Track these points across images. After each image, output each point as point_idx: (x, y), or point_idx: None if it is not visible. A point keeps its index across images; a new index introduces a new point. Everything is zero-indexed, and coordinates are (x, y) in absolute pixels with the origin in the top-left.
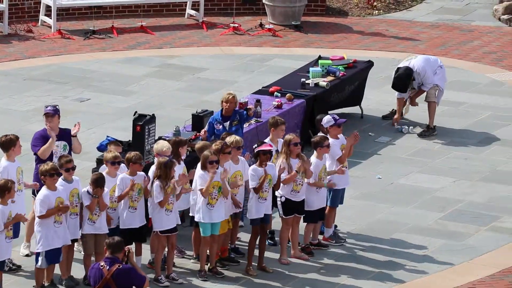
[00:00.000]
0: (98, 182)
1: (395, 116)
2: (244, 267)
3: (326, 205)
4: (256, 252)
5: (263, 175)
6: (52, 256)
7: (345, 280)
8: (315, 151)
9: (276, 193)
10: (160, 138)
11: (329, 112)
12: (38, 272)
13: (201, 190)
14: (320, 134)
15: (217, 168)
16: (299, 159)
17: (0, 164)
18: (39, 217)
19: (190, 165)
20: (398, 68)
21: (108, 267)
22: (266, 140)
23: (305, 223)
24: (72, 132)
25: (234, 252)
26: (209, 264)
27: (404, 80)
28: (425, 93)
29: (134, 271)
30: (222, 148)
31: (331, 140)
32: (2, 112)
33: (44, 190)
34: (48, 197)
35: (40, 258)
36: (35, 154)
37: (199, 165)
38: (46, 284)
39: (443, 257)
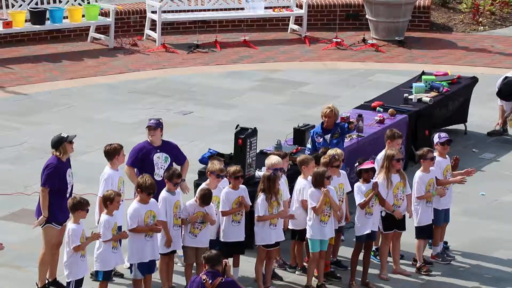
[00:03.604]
0: (205, 199)
1: (499, 121)
2: (347, 281)
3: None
4: (360, 267)
5: (372, 193)
6: (145, 267)
7: None
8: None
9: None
10: (261, 151)
11: (437, 129)
12: (135, 282)
13: (313, 208)
14: (427, 148)
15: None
16: (374, 186)
17: (104, 172)
18: (130, 230)
19: (292, 178)
20: (507, 77)
21: (210, 281)
22: (381, 153)
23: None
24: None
25: (336, 265)
26: (317, 281)
27: (510, 87)
28: None
29: (236, 285)
30: (331, 161)
31: (438, 159)
32: (107, 124)
33: (135, 204)
34: (138, 211)
35: (133, 269)
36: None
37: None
38: None
39: None
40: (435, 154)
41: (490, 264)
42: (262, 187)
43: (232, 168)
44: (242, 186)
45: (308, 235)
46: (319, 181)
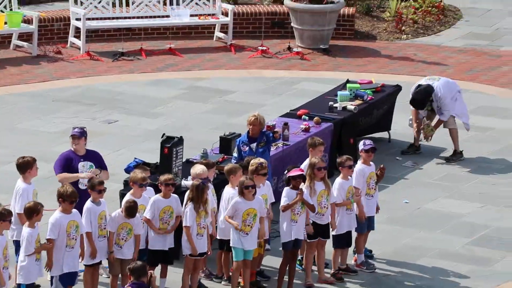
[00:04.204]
0: (131, 211)
1: (414, 125)
2: None
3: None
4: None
5: (296, 198)
6: (66, 279)
7: None
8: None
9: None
10: (187, 160)
11: (361, 137)
12: None
13: (228, 217)
14: (346, 155)
15: (254, 193)
16: (298, 192)
17: (18, 187)
18: (47, 240)
19: (218, 187)
20: (420, 85)
21: None
22: (306, 161)
23: (333, 249)
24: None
25: (259, 276)
26: None
27: (423, 96)
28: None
29: None
30: (257, 169)
31: (362, 166)
32: (30, 133)
33: (57, 213)
34: (60, 220)
35: (54, 282)
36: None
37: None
38: None
39: (470, 283)
40: (360, 161)
41: (414, 272)
42: (190, 196)
43: (164, 176)
44: (174, 196)
45: (231, 243)
46: (240, 191)
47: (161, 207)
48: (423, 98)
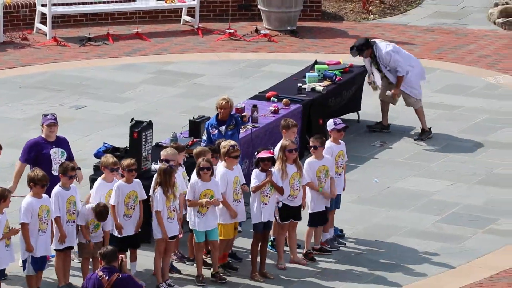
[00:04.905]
0: (102, 215)
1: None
2: (244, 273)
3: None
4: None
5: (265, 180)
6: (39, 263)
7: (343, 284)
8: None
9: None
10: (157, 144)
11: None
12: (29, 279)
13: (188, 200)
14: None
15: (211, 175)
16: (267, 174)
17: None
18: (21, 224)
19: (188, 170)
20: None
21: (107, 277)
22: (279, 144)
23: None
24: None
25: (231, 258)
26: (211, 270)
27: (360, 42)
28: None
29: (133, 280)
30: (229, 152)
31: (330, 145)
32: None
33: (28, 198)
34: (32, 204)
35: (27, 265)
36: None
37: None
38: None
39: (441, 260)
40: (329, 140)
41: (384, 250)
42: (158, 180)
43: (126, 161)
44: (136, 180)
45: (190, 226)
46: (196, 172)
47: (126, 192)
48: (360, 44)
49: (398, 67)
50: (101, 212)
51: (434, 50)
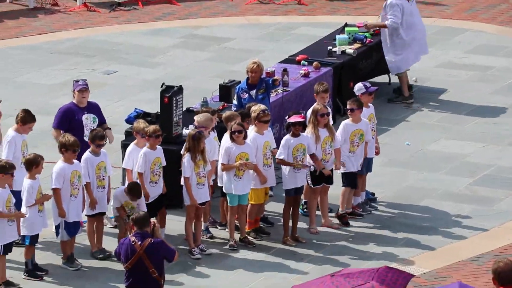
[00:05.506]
0: (134, 192)
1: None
2: (276, 237)
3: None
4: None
5: (300, 145)
6: (72, 228)
7: (375, 247)
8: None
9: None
10: (188, 109)
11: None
12: (62, 244)
13: (222, 165)
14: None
15: (244, 138)
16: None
17: (8, 135)
18: (53, 189)
19: (219, 135)
20: None
21: (139, 242)
22: (311, 108)
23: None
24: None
25: (263, 222)
26: (240, 235)
27: None
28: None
29: (165, 245)
30: (258, 116)
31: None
32: (30, 86)
33: (60, 163)
34: (64, 170)
35: (60, 231)
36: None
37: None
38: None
39: (474, 223)
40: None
41: (416, 213)
42: (187, 146)
43: (152, 127)
44: (158, 147)
45: (224, 189)
46: (230, 136)
47: (151, 159)
48: None
49: (390, 15)
50: (132, 187)
51: (466, 10)
